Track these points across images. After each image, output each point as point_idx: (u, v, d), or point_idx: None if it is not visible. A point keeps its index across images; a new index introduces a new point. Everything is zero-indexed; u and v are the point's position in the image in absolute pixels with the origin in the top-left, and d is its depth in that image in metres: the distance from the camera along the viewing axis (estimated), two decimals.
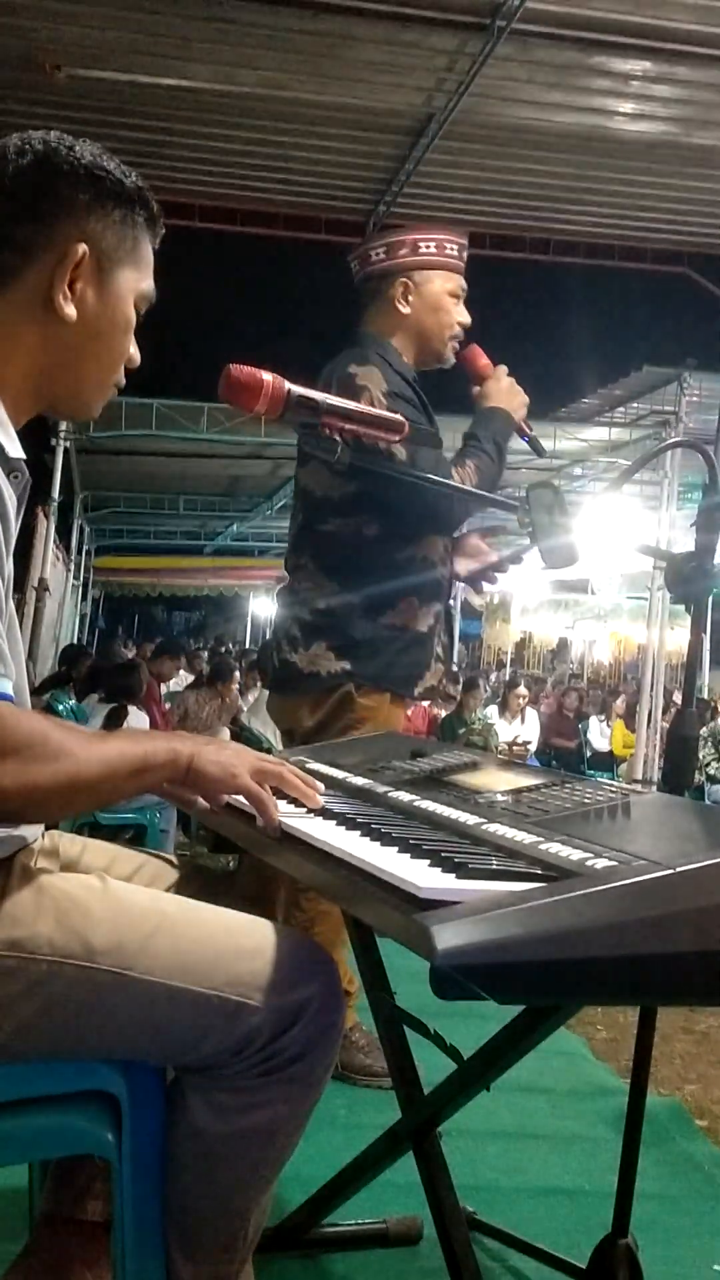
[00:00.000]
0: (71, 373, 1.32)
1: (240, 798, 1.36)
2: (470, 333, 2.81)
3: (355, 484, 2.56)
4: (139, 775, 1.26)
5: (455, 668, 14.00)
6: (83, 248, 1.27)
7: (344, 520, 2.62)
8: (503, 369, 2.70)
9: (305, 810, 1.39)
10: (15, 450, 1.25)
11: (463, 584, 2.92)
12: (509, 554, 3.05)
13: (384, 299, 2.70)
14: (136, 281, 1.33)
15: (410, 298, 2.68)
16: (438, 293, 2.70)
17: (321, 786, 1.45)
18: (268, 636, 3.00)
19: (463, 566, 2.82)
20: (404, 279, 2.68)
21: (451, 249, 2.72)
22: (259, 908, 1.43)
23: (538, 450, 2.57)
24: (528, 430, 2.71)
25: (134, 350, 1.37)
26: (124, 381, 1.39)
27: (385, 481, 2.44)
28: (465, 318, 2.74)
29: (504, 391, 2.68)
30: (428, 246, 2.69)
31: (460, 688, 9.96)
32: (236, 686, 8.47)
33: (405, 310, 2.69)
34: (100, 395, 1.37)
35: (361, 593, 2.60)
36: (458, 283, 2.73)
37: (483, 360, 2.71)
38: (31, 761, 1.16)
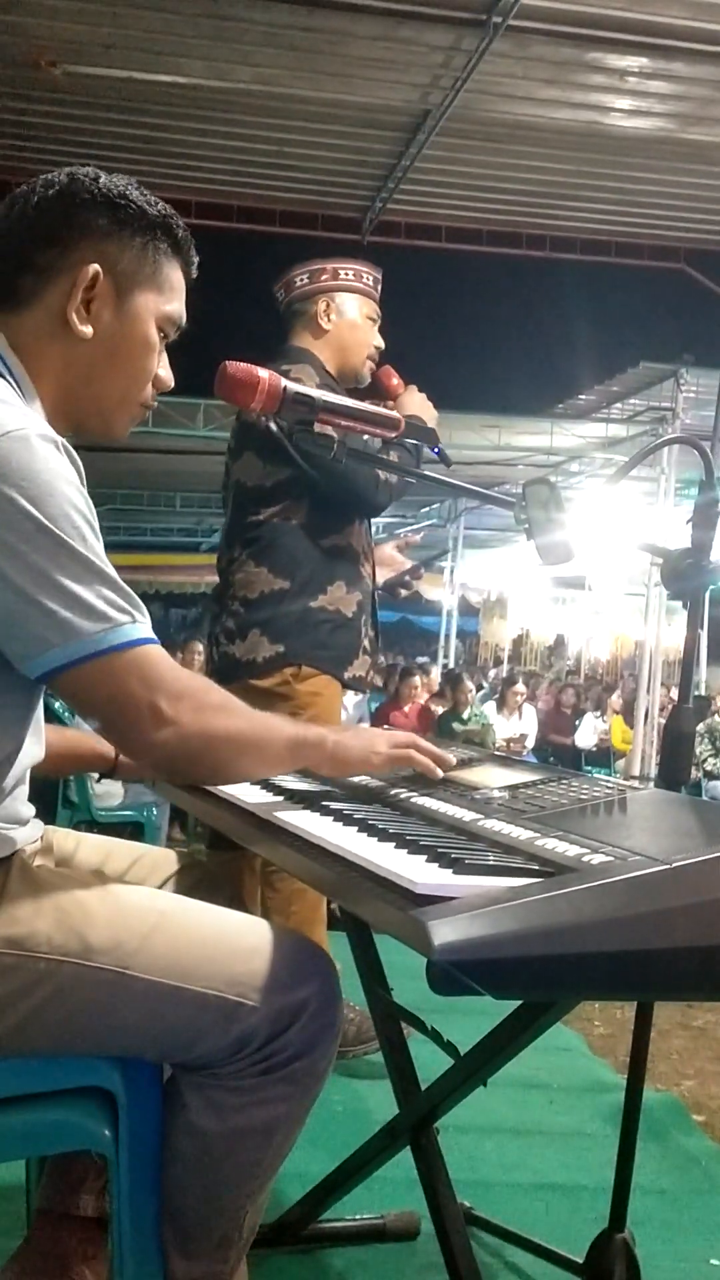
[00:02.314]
0: (92, 390, 1.36)
1: (228, 789, 1.43)
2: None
3: (284, 472, 2.65)
4: (296, 749, 1.35)
5: (448, 671, 14.01)
6: (94, 268, 1.31)
7: (272, 509, 2.70)
8: (413, 387, 2.85)
9: (302, 807, 1.40)
10: None
11: (381, 591, 3.03)
12: (419, 561, 3.27)
13: (308, 317, 2.85)
14: (158, 304, 1.37)
15: (332, 315, 2.84)
16: (356, 312, 2.87)
17: (452, 760, 1.50)
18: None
19: (380, 575, 2.97)
20: (326, 298, 2.85)
21: (367, 279, 2.90)
22: (235, 900, 1.45)
23: (445, 460, 2.70)
24: (437, 442, 2.80)
25: (164, 372, 1.42)
26: (154, 403, 1.44)
27: (311, 467, 2.58)
28: (379, 341, 2.90)
29: (417, 404, 2.79)
30: (346, 273, 2.88)
31: (449, 688, 9.95)
32: (198, 657, 8.63)
33: (327, 326, 2.84)
34: (124, 414, 1.41)
35: (291, 578, 2.69)
36: (373, 308, 2.90)
37: (394, 379, 2.86)
38: (207, 708, 1.24)
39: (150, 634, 1.22)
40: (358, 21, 6.31)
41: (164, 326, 1.39)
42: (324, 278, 2.86)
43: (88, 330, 1.32)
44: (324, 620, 2.70)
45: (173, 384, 1.43)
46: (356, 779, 1.57)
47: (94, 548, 1.20)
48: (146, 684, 1.20)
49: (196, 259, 1.43)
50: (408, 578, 3.05)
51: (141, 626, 1.21)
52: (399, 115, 7.54)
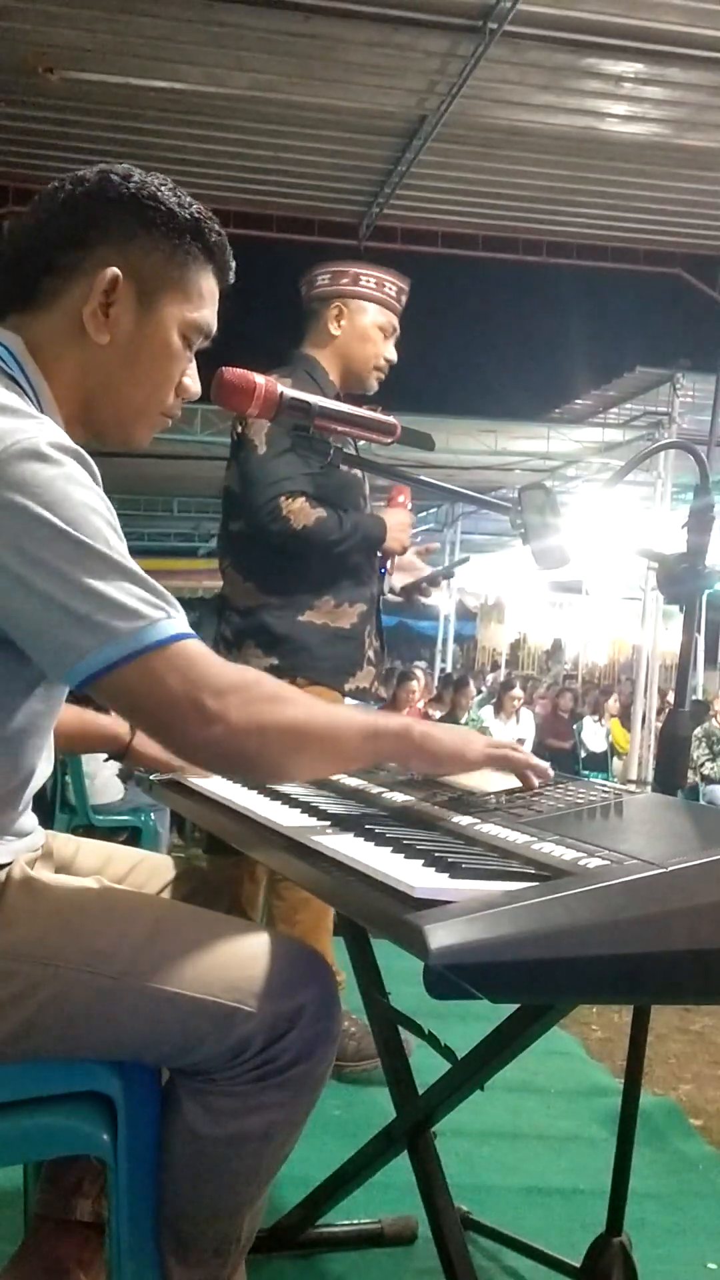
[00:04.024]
0: (110, 397, 1.32)
1: (223, 794, 1.36)
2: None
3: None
4: (373, 740, 1.29)
5: (446, 674, 14.01)
6: (113, 272, 1.27)
7: (243, 518, 2.68)
8: (408, 509, 2.84)
9: (298, 812, 1.40)
10: None
11: (398, 596, 3.02)
12: (441, 569, 3.23)
13: (319, 320, 2.83)
14: (184, 311, 1.33)
15: (342, 322, 2.81)
16: (366, 324, 2.82)
17: (549, 771, 1.45)
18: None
19: (398, 580, 2.95)
20: (339, 304, 2.82)
21: (390, 289, 2.86)
22: (233, 906, 1.44)
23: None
24: (386, 566, 2.87)
25: (189, 380, 1.37)
26: (178, 413, 1.39)
27: (243, 479, 2.60)
28: (392, 355, 2.87)
29: (396, 521, 2.78)
30: (368, 281, 2.84)
31: (450, 692, 9.96)
32: None
33: (335, 332, 2.81)
34: (144, 422, 1.36)
35: (275, 592, 2.68)
36: (390, 320, 2.85)
37: (400, 498, 2.86)
38: (259, 700, 1.18)
39: (187, 628, 1.17)
40: (354, 28, 6.33)
41: (189, 334, 1.34)
42: (343, 281, 2.83)
43: (105, 336, 1.29)
44: (314, 634, 2.68)
45: (199, 393, 1.38)
46: (354, 781, 1.57)
47: (117, 547, 1.15)
48: (189, 680, 1.15)
49: (233, 265, 1.38)
50: (425, 584, 2.99)
51: (177, 621, 1.16)
52: (395, 121, 7.56)
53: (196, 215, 1.33)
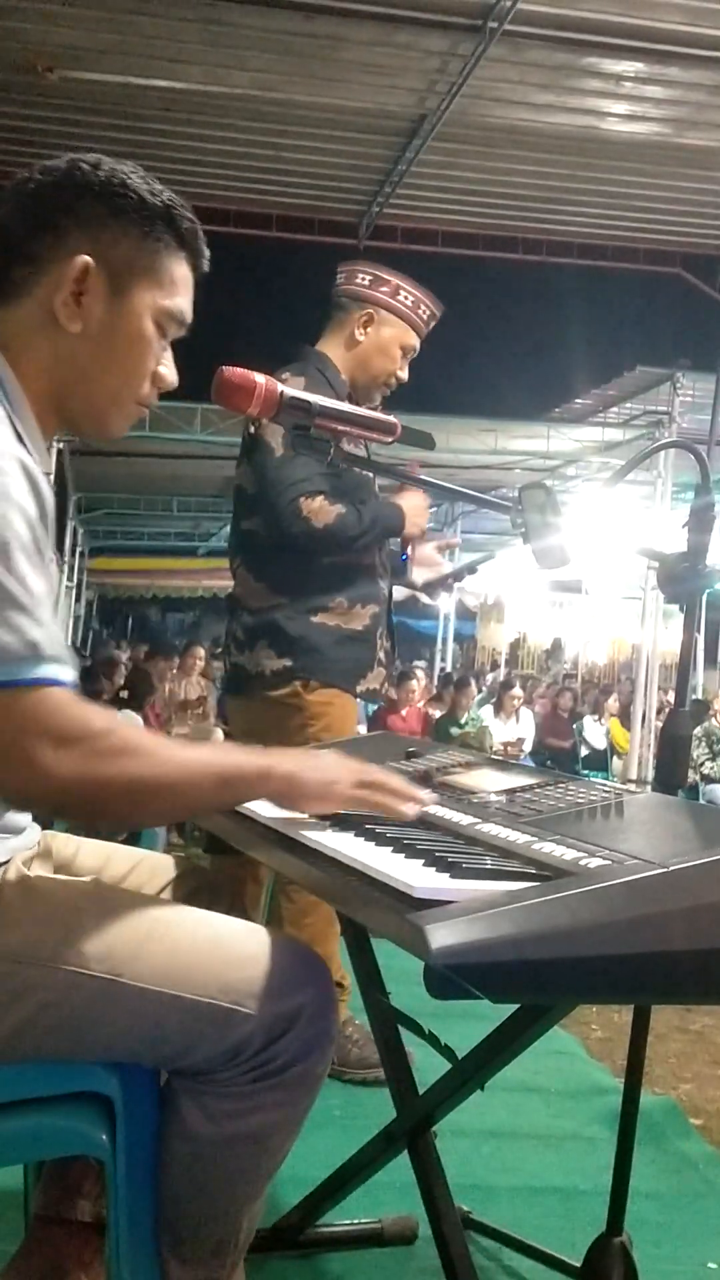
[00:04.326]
0: (83, 388, 1.31)
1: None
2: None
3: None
4: (226, 786, 1.26)
5: (446, 674, 14.01)
6: (83, 260, 1.26)
7: (259, 518, 2.67)
8: (421, 492, 2.81)
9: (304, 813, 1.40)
10: (45, 465, 1.27)
11: (420, 593, 2.99)
12: (463, 564, 3.20)
13: (344, 318, 2.80)
14: (157, 299, 1.31)
15: (368, 330, 2.78)
16: (391, 339, 2.80)
17: (426, 798, 1.38)
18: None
19: (419, 575, 2.91)
20: (371, 311, 2.78)
21: (424, 312, 2.83)
22: (235, 907, 1.43)
23: (406, 573, 2.70)
24: (408, 552, 2.82)
25: (166, 370, 1.36)
26: (154, 401, 1.38)
27: (259, 480, 2.58)
28: (404, 375, 2.85)
29: (413, 506, 2.76)
30: (406, 298, 2.80)
31: (451, 691, 9.97)
32: (199, 663, 8.68)
33: (359, 338, 2.79)
34: (118, 412, 1.35)
35: (286, 593, 2.67)
36: (413, 344, 2.84)
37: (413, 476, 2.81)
38: (96, 755, 1.15)
39: (58, 675, 1.14)
40: (354, 27, 6.32)
41: (164, 323, 1.33)
42: (383, 289, 2.79)
43: (76, 325, 1.27)
44: (326, 635, 2.66)
45: (176, 382, 1.37)
46: None
47: (19, 573, 1.12)
48: (29, 728, 1.13)
49: (206, 253, 1.37)
50: (450, 580, 2.96)
51: (50, 667, 1.13)
52: (395, 120, 7.56)
53: (167, 202, 1.31)
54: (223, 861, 2.55)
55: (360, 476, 2.73)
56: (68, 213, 1.28)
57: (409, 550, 2.82)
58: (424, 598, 3.04)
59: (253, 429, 2.67)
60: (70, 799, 1.18)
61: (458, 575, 3.06)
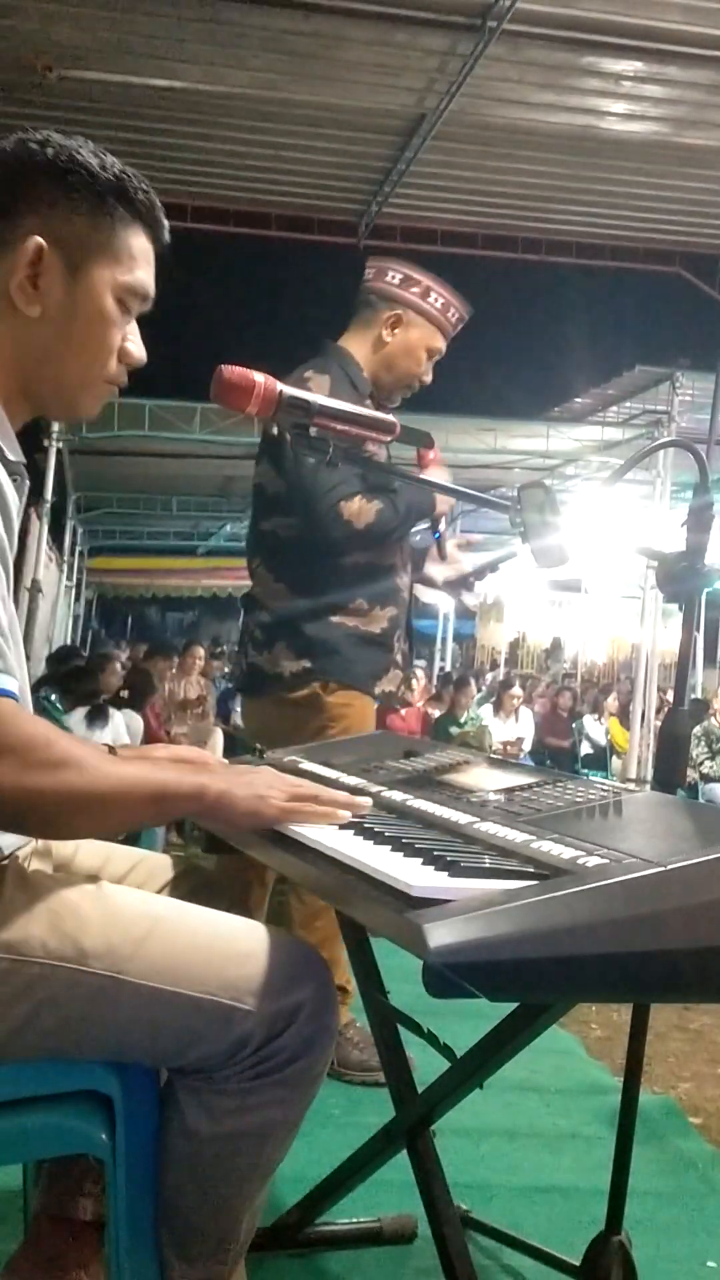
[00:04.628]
0: (49, 370, 1.30)
1: None
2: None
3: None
4: (158, 803, 1.25)
5: (446, 673, 14.01)
6: (37, 242, 1.24)
7: (281, 519, 2.66)
8: (442, 463, 2.75)
9: None
10: (14, 453, 1.26)
11: (442, 590, 2.97)
12: (484, 563, 3.15)
13: (371, 316, 2.77)
14: (116, 275, 1.29)
15: (396, 331, 2.75)
16: (418, 341, 2.77)
17: (367, 804, 1.39)
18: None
19: (440, 574, 2.89)
20: (401, 312, 2.74)
21: (453, 315, 2.79)
22: (235, 906, 1.43)
23: (441, 546, 2.67)
24: (439, 529, 2.78)
25: (132, 345, 1.34)
26: (123, 379, 1.36)
27: (294, 484, 2.53)
28: (428, 377, 2.82)
29: (442, 474, 2.70)
30: (436, 300, 2.76)
31: (451, 691, 9.98)
32: (198, 663, 8.70)
33: (386, 339, 2.75)
34: (88, 393, 1.34)
35: (306, 594, 2.65)
36: (440, 347, 2.81)
37: (430, 456, 2.74)
38: (32, 766, 1.15)
39: (4, 685, 1.14)
40: (353, 26, 6.32)
41: (125, 298, 1.31)
42: (413, 290, 2.75)
43: (35, 309, 1.26)
44: (346, 637, 2.65)
45: (144, 358, 1.35)
46: (352, 780, 1.57)
47: None
48: None
49: (165, 223, 1.34)
50: (472, 579, 2.94)
51: None
52: (394, 119, 7.55)
53: (119, 175, 1.29)
54: (230, 863, 2.54)
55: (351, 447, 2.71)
56: (16, 194, 1.26)
57: (440, 528, 2.78)
58: (427, 596, 3.02)
59: (275, 429, 2.65)
60: (5, 810, 1.17)
61: (479, 573, 3.03)
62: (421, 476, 2.30)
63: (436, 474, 2.70)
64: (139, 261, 1.32)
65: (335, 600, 2.65)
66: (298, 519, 2.62)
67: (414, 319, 2.74)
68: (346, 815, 1.33)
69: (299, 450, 1.59)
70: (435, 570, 2.87)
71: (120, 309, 1.31)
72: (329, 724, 2.59)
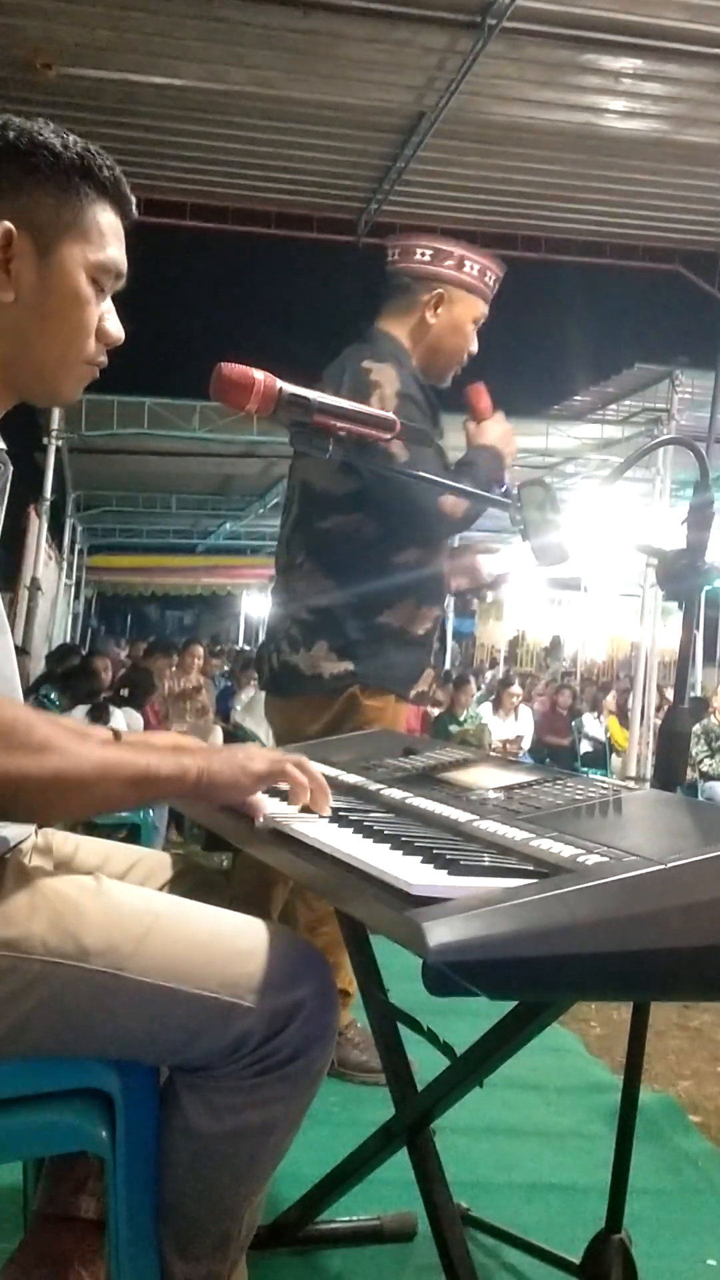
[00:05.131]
0: (28, 355, 1.29)
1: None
2: None
3: (357, 481, 2.53)
4: (141, 786, 1.23)
5: (446, 671, 14.00)
6: (5, 226, 1.23)
7: (344, 518, 2.59)
8: (500, 415, 2.71)
9: (299, 808, 1.39)
10: None
11: (452, 597, 2.93)
12: (502, 573, 3.07)
13: (412, 302, 2.69)
14: (87, 253, 1.28)
15: (440, 310, 2.67)
16: (463, 315, 2.69)
17: (328, 799, 1.37)
18: (263, 636, 2.88)
19: (454, 582, 2.84)
20: (441, 290, 2.66)
21: (489, 278, 2.72)
22: (254, 908, 1.42)
23: (513, 509, 2.64)
24: (507, 481, 2.71)
25: (110, 324, 1.33)
26: (103, 359, 1.35)
27: (386, 481, 2.44)
28: (475, 347, 2.75)
29: (500, 436, 2.68)
30: (472, 268, 2.68)
31: (450, 689, 9.98)
32: (197, 661, 8.71)
33: (431, 321, 2.68)
34: (69, 375, 1.32)
35: (358, 592, 2.58)
36: (482, 311, 2.73)
37: (485, 401, 2.71)
38: (13, 750, 1.14)
39: None
40: (353, 24, 6.31)
41: (99, 277, 1.30)
42: (446, 263, 2.65)
43: (9, 294, 1.24)
44: (390, 638, 2.61)
45: (122, 337, 1.34)
46: (352, 778, 1.57)
47: None
48: None
49: (132, 199, 1.33)
50: (485, 589, 2.94)
51: None
52: (394, 117, 7.54)
53: (82, 153, 1.27)
54: (244, 859, 2.49)
55: (433, 445, 2.65)
56: None
57: (505, 474, 2.71)
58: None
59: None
60: None
61: (495, 584, 3.00)
62: (420, 474, 2.29)
63: (496, 425, 2.69)
64: (109, 238, 1.31)
65: (387, 601, 2.61)
66: (374, 517, 2.56)
67: (455, 294, 2.67)
68: (324, 799, 1.34)
69: (312, 447, 1.57)
70: (452, 578, 2.82)
71: (95, 288, 1.30)
72: (361, 728, 2.56)
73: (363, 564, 2.59)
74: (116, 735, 1.60)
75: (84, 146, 1.28)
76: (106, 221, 1.30)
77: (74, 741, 1.19)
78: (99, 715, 5.66)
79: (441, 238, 2.73)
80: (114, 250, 1.31)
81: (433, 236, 2.75)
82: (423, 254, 2.67)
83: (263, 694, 2.95)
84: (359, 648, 2.59)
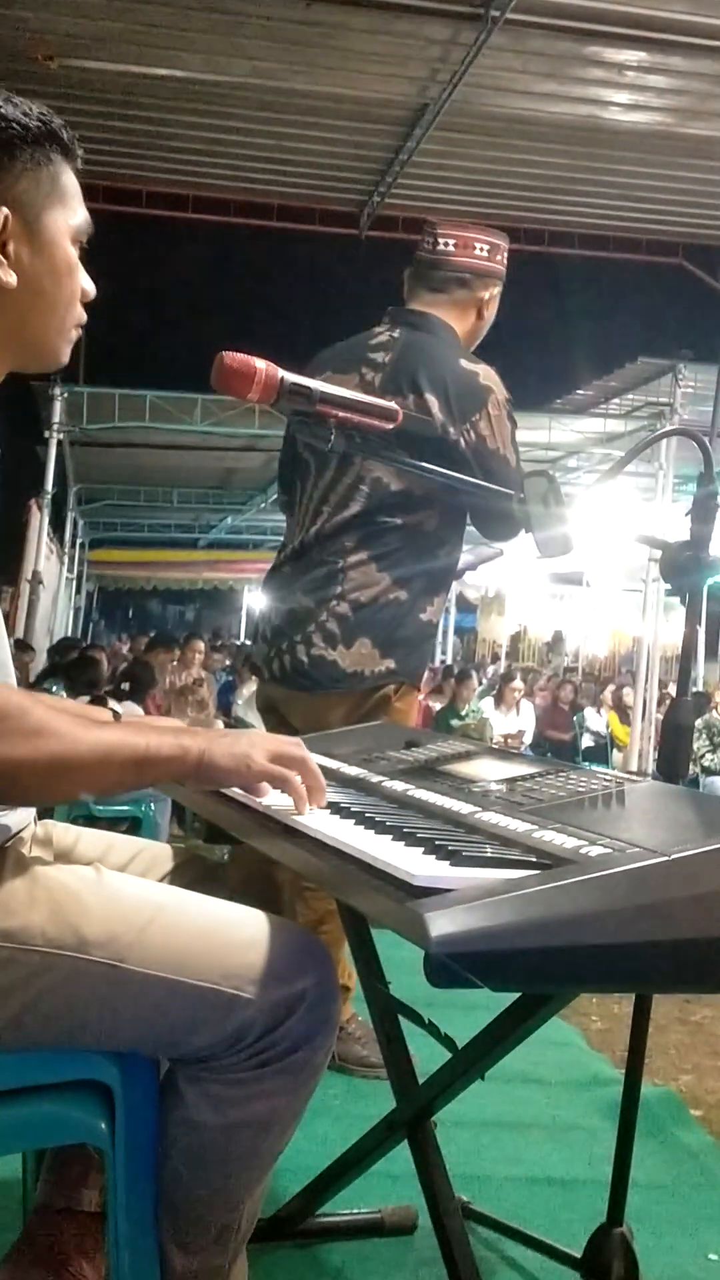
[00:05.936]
0: (29, 330, 1.29)
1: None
2: None
3: (436, 481, 2.51)
4: (140, 767, 1.22)
5: (448, 666, 14.00)
6: (2, 212, 1.23)
7: (414, 515, 2.55)
8: None
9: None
10: None
11: None
12: (469, 560, 3.11)
13: (470, 299, 2.65)
14: (67, 220, 1.29)
15: (491, 309, 2.68)
16: (494, 311, 2.70)
17: (324, 798, 1.36)
18: (271, 628, 2.79)
19: None
20: (496, 287, 2.66)
21: (503, 258, 2.71)
22: (251, 900, 1.42)
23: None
24: (433, 433, 2.64)
25: (86, 283, 1.34)
26: (85, 317, 1.36)
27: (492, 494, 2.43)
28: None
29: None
30: (502, 258, 2.68)
31: (452, 684, 9.99)
32: (199, 655, 8.72)
33: (486, 316, 2.68)
34: (64, 340, 1.34)
35: (408, 589, 2.56)
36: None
37: None
38: (8, 734, 1.13)
39: None
40: (355, 15, 6.30)
41: (78, 239, 1.31)
42: (498, 259, 2.63)
43: (12, 278, 1.25)
44: (424, 632, 2.62)
45: (93, 291, 1.34)
46: (353, 770, 1.57)
47: None
48: None
49: (80, 151, 1.32)
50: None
51: None
52: (396, 109, 7.54)
53: (44, 118, 1.27)
54: (250, 852, 2.46)
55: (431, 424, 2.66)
56: None
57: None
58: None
59: (419, 424, 2.46)
60: None
61: (458, 574, 3.02)
62: (422, 465, 2.27)
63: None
64: (77, 198, 1.31)
65: (431, 593, 2.61)
66: (448, 518, 2.55)
67: (498, 290, 2.69)
68: (322, 800, 1.33)
69: (314, 436, 1.56)
70: None
71: (78, 251, 1.32)
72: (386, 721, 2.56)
73: (418, 562, 2.57)
74: (116, 716, 1.60)
75: (42, 112, 1.28)
76: (71, 182, 1.30)
77: (71, 724, 1.19)
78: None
79: (492, 231, 2.70)
80: (83, 209, 1.32)
81: (485, 230, 2.70)
82: (481, 248, 2.64)
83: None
84: (400, 645, 2.56)
